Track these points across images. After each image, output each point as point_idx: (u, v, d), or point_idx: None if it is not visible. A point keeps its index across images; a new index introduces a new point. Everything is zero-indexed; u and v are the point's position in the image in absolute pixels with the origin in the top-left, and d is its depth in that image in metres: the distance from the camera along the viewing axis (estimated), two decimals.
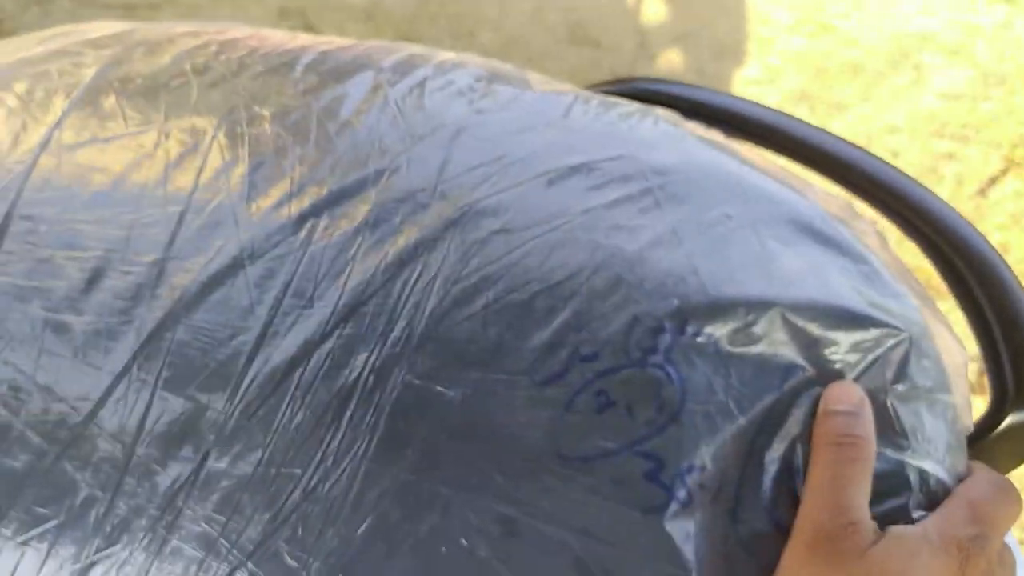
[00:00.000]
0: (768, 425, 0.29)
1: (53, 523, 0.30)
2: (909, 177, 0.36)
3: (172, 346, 0.30)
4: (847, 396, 0.29)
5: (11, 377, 0.30)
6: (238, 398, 0.29)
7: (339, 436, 0.29)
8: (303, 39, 0.39)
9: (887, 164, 0.36)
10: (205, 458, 0.29)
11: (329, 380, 0.29)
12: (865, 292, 0.31)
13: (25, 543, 0.31)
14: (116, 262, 0.31)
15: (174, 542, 0.29)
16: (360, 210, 0.32)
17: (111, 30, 0.41)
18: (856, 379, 0.30)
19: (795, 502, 0.29)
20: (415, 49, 0.38)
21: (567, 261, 0.30)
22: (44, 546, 0.30)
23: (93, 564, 0.30)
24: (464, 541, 0.28)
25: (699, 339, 0.29)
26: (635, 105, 0.36)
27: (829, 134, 0.37)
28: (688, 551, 0.28)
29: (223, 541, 0.29)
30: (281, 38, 0.39)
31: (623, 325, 0.29)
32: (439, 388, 0.29)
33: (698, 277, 0.30)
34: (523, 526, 0.28)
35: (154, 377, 0.30)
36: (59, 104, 0.36)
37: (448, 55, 0.37)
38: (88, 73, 0.37)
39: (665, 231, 0.31)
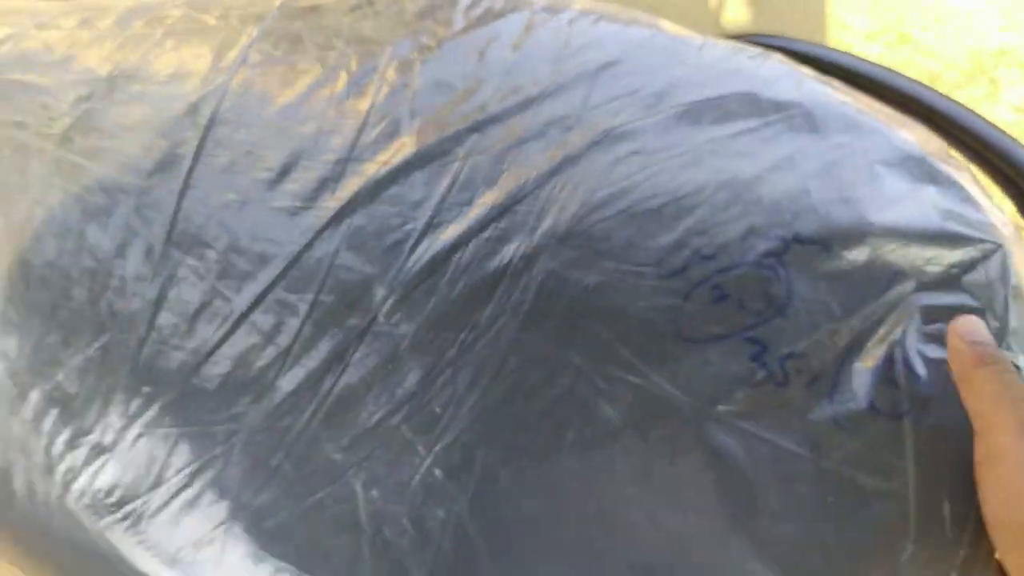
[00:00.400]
0: (869, 325, 0.33)
1: (224, 365, 0.36)
2: (1000, 129, 0.40)
3: (350, 229, 0.35)
4: (978, 328, 0.33)
5: (212, 248, 0.36)
6: (404, 273, 0.35)
7: (489, 309, 0.34)
8: None
9: (980, 117, 0.40)
10: (372, 321, 0.35)
11: (483, 263, 0.34)
12: (962, 213, 0.35)
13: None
14: (304, 159, 0.37)
15: (338, 390, 0.35)
16: (515, 130, 0.37)
17: None
18: (958, 288, 0.34)
19: (894, 386, 0.33)
20: None
21: (693, 179, 0.35)
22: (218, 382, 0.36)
23: (271, 410, 0.35)
24: (592, 403, 0.33)
25: (808, 247, 0.34)
26: (757, 49, 0.40)
27: (926, 87, 0.42)
28: (781, 420, 0.32)
29: (382, 388, 0.34)
30: None
31: (740, 233, 0.34)
32: (577, 274, 0.34)
33: (810, 196, 0.34)
34: (644, 392, 0.33)
35: (332, 253, 0.35)
36: (251, 26, 0.41)
37: (587, 1, 0.42)
38: (275, 2, 0.42)
39: (782, 157, 0.35)
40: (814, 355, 0.33)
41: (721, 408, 0.33)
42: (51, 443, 0.36)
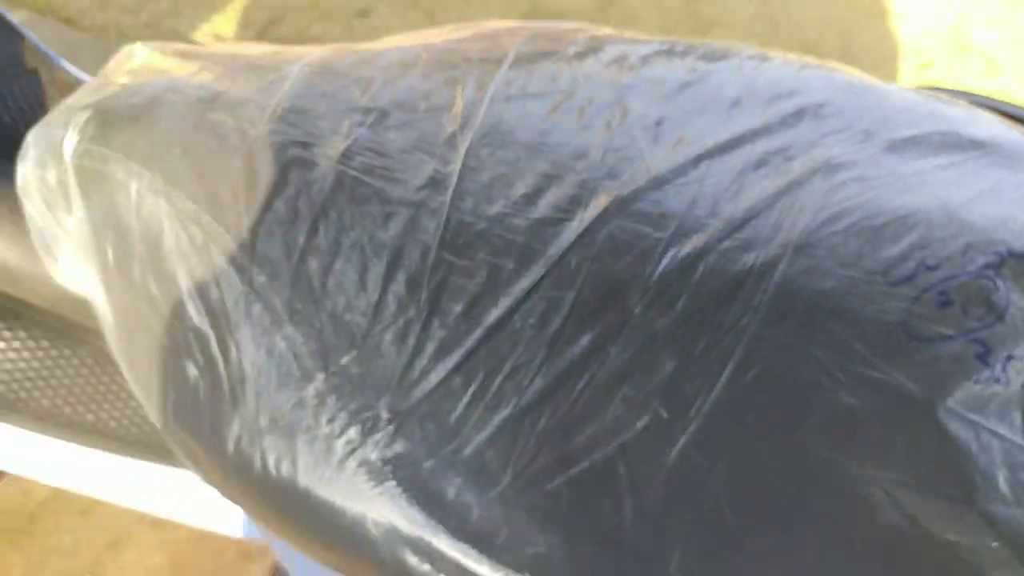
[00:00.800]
0: None
1: (494, 354, 0.40)
2: None
3: (603, 238, 0.40)
4: None
5: (480, 251, 0.41)
6: (655, 277, 0.39)
7: (734, 309, 0.39)
8: (660, 38, 0.50)
9: None
10: (630, 316, 0.39)
11: (727, 268, 0.39)
12: None
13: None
14: (554, 182, 0.42)
15: (601, 375, 0.39)
16: (741, 159, 0.42)
17: (507, 24, 0.53)
18: None
19: None
20: (756, 49, 0.49)
21: (909, 202, 0.40)
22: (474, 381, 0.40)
23: (540, 391, 0.40)
24: (834, 392, 0.37)
25: (1021, 264, 0.38)
26: (945, 95, 0.46)
27: None
28: (1004, 415, 0.36)
29: (640, 374, 0.39)
30: (636, 35, 0.50)
31: (959, 248, 0.38)
32: (812, 280, 0.39)
33: (1017, 220, 0.39)
34: (882, 384, 0.37)
35: (590, 258, 0.40)
36: (493, 67, 0.47)
37: (791, 54, 0.48)
38: (510, 47, 0.49)
39: (986, 187, 0.40)
40: None
41: (951, 401, 0.37)
42: (334, 417, 0.41)
